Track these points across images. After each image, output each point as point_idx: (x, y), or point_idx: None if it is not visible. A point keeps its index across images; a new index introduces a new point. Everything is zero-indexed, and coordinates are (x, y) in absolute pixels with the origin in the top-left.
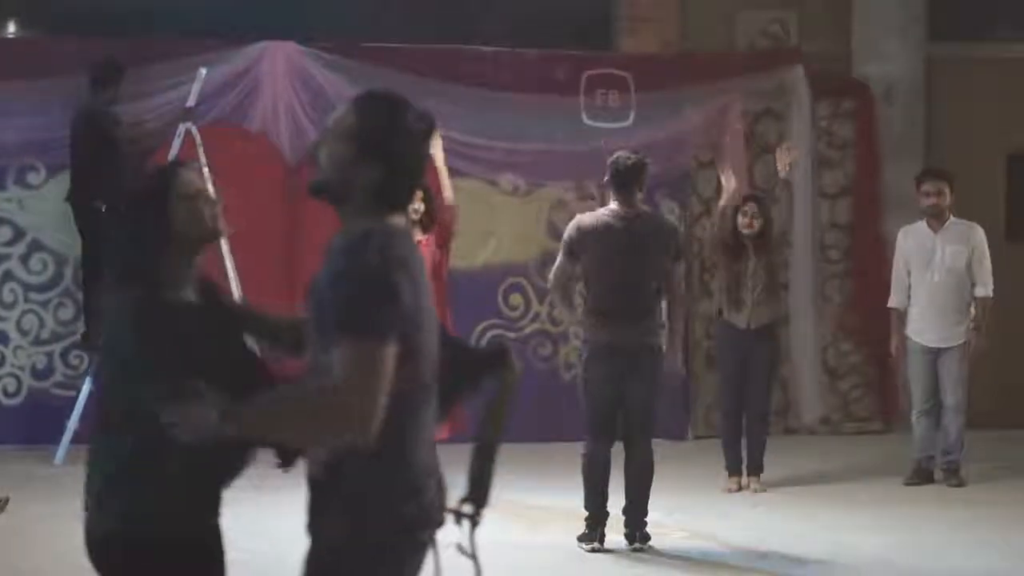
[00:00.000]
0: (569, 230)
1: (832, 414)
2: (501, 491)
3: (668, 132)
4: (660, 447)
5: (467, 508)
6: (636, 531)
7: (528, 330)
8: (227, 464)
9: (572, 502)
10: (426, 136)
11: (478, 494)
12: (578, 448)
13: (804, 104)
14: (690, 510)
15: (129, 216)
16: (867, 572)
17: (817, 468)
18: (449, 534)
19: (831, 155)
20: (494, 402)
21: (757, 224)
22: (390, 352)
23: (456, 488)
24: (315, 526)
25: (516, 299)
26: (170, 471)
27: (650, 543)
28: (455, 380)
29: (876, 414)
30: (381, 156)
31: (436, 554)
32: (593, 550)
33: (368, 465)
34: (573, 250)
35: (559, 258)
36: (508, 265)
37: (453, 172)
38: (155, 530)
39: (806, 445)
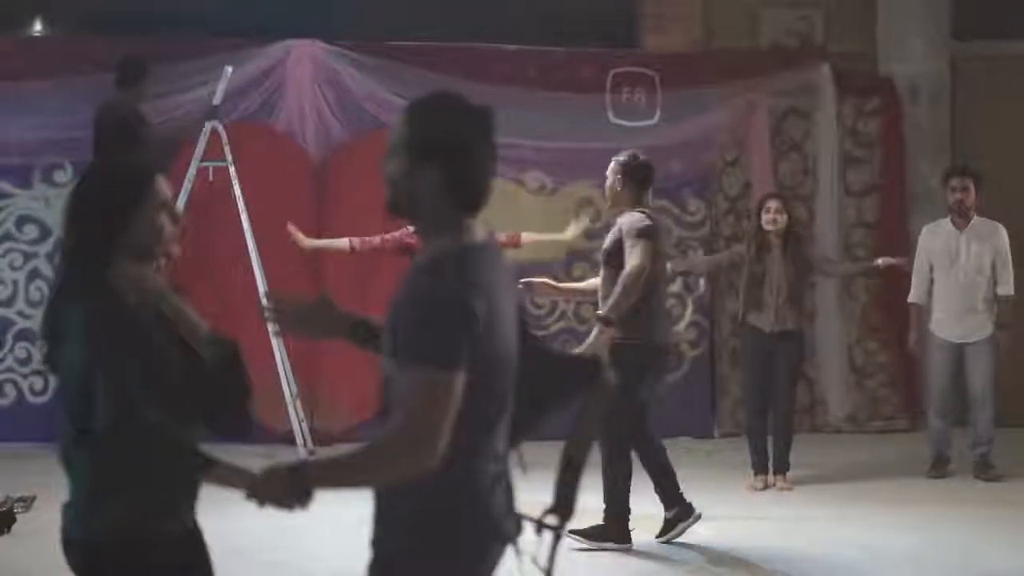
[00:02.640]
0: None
1: (858, 412)
2: (529, 491)
3: (694, 130)
4: (686, 445)
5: (551, 520)
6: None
7: (554, 328)
8: (194, 467)
9: (597, 500)
10: (483, 131)
11: (563, 508)
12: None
13: (830, 102)
14: (716, 508)
15: (89, 210)
16: (892, 570)
17: (843, 466)
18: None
19: (857, 153)
20: (584, 417)
21: (781, 220)
22: (459, 381)
23: (532, 489)
24: (377, 538)
25: (542, 297)
26: (138, 476)
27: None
28: (547, 393)
29: (902, 412)
30: (436, 159)
31: (520, 559)
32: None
33: (430, 479)
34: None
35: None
36: (534, 263)
37: None
38: (126, 534)
39: (832, 443)
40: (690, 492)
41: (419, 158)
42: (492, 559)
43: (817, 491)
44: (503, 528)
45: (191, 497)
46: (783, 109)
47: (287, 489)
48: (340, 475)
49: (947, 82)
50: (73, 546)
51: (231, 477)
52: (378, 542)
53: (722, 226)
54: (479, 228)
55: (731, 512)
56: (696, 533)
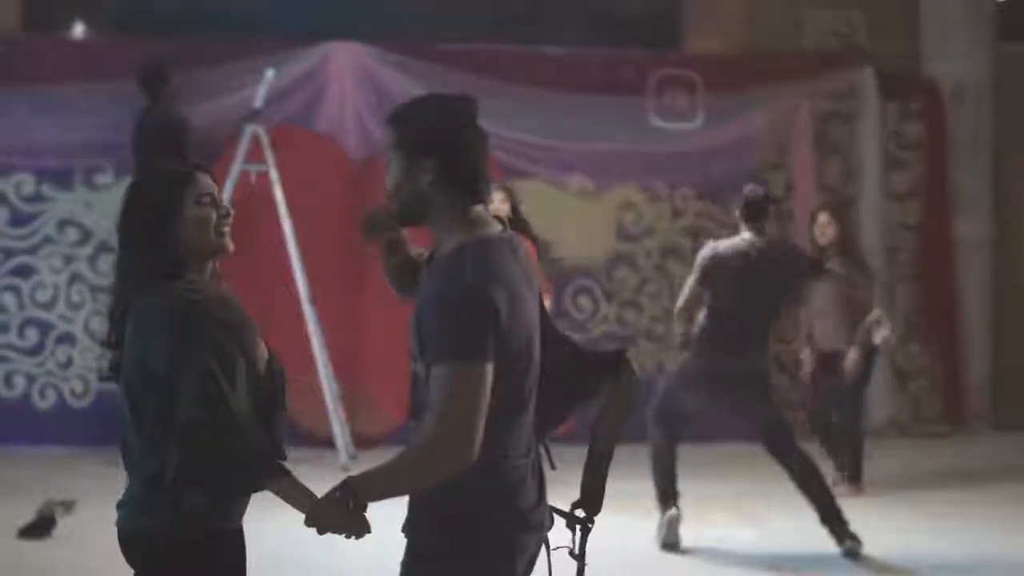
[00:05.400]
0: (704, 255)
1: (900, 416)
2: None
3: (736, 133)
4: (730, 449)
5: (579, 513)
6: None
7: (596, 332)
8: (266, 472)
9: (638, 502)
10: (469, 117)
11: (591, 501)
12: (643, 451)
13: (873, 105)
14: (760, 511)
15: (139, 216)
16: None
17: (885, 470)
18: (561, 537)
19: (900, 156)
20: (609, 409)
21: (831, 232)
22: (488, 373)
23: (566, 487)
24: (409, 537)
25: (584, 301)
26: (215, 473)
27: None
28: (571, 385)
29: (943, 416)
30: (427, 157)
31: (548, 554)
32: (671, 519)
33: (458, 476)
34: (707, 275)
35: (691, 281)
36: (577, 267)
37: (521, 173)
38: (192, 531)
39: (874, 447)
40: (733, 495)
41: (412, 161)
42: (525, 550)
43: (856, 495)
44: (533, 519)
45: (248, 497)
46: (826, 112)
47: (345, 517)
48: (387, 485)
49: (990, 83)
50: (136, 540)
51: (295, 495)
52: (410, 541)
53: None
54: (492, 221)
55: (773, 515)
56: (740, 538)
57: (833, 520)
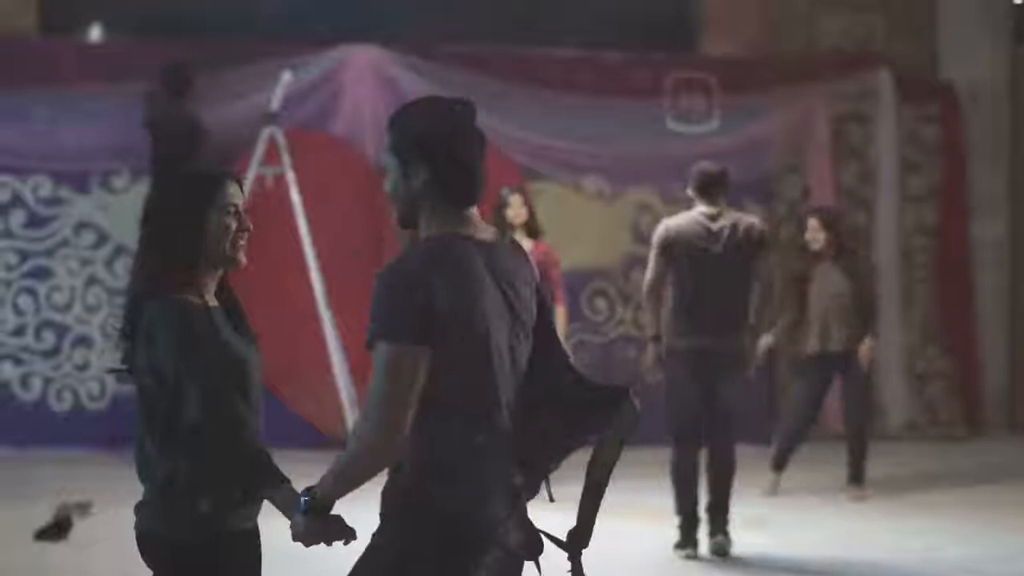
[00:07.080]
0: (658, 232)
1: (918, 419)
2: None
3: (752, 135)
4: (744, 453)
5: (570, 542)
6: (719, 532)
7: (612, 334)
8: (268, 480)
9: (654, 503)
10: (463, 119)
11: (579, 534)
12: (660, 452)
13: (889, 107)
14: (775, 517)
15: (164, 216)
16: None
17: (903, 474)
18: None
19: (917, 158)
20: (607, 441)
21: (822, 238)
22: (413, 354)
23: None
24: (378, 527)
25: (600, 303)
26: (215, 479)
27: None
28: (577, 419)
29: (960, 420)
30: (421, 159)
31: None
32: (687, 557)
33: (419, 477)
34: (665, 251)
35: (652, 261)
36: (593, 269)
37: (537, 175)
38: (207, 532)
39: (892, 450)
40: (749, 500)
41: (406, 163)
42: (485, 563)
43: (876, 499)
44: (495, 534)
45: (255, 503)
46: (842, 114)
47: (320, 526)
48: (339, 479)
49: (1007, 85)
50: (153, 542)
51: (287, 505)
52: (376, 529)
53: (780, 231)
54: (483, 225)
55: (790, 520)
56: (754, 542)
57: (717, 514)
